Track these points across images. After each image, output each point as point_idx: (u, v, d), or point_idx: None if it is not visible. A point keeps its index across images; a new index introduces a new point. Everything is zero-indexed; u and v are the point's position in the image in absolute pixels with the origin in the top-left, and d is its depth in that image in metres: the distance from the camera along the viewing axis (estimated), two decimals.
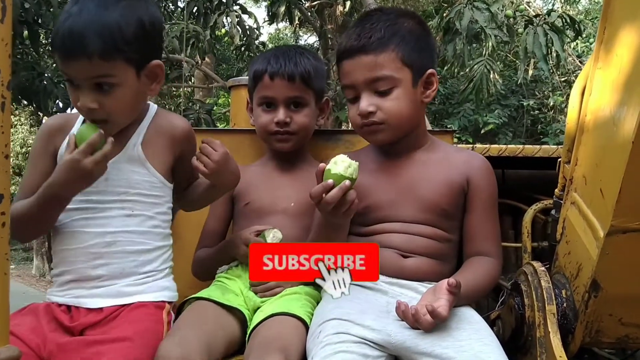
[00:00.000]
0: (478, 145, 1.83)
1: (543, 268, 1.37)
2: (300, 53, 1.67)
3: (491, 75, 5.03)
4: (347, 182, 1.25)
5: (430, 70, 1.44)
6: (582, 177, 1.30)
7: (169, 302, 1.34)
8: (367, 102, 1.40)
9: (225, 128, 2.66)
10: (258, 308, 1.43)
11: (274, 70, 1.63)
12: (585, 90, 1.33)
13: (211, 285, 1.51)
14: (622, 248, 1.14)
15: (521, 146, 1.86)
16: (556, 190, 1.48)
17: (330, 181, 1.25)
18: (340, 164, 1.27)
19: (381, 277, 1.35)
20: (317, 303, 1.40)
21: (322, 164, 1.29)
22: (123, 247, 1.30)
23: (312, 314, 1.34)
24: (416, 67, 1.41)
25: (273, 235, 1.49)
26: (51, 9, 4.48)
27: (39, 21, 4.56)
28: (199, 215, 1.61)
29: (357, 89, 1.43)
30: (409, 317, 1.19)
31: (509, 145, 1.86)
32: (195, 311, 1.36)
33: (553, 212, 1.49)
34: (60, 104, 5.57)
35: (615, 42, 1.18)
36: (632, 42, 1.09)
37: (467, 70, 5.27)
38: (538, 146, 1.86)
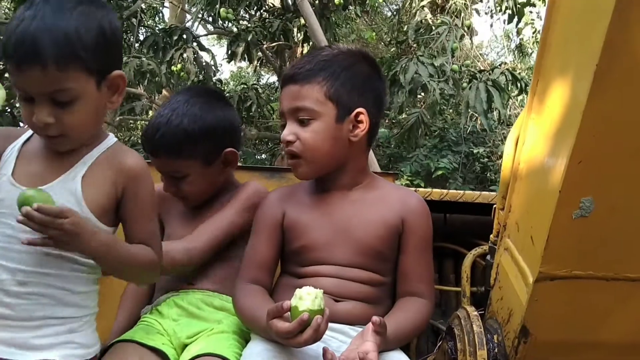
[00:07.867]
0: (420, 189, 1.85)
1: (476, 313, 1.38)
2: (178, 113, 1.47)
3: (421, 127, 5.23)
4: (320, 318, 1.15)
5: (359, 109, 1.40)
6: (515, 223, 1.33)
7: None
8: (288, 131, 1.41)
9: None
10: (186, 346, 1.38)
11: (143, 141, 1.52)
12: (519, 139, 1.38)
13: (135, 326, 1.44)
14: (550, 295, 1.16)
15: (462, 192, 1.89)
16: (491, 235, 1.50)
17: (305, 316, 1.13)
18: (307, 298, 1.16)
19: None
20: (247, 342, 1.36)
21: (286, 302, 1.18)
22: (33, 289, 1.12)
23: (240, 354, 1.30)
24: (342, 104, 1.39)
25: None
26: None
27: None
28: None
29: (284, 117, 1.43)
30: None
31: (450, 191, 1.90)
32: (114, 355, 1.31)
33: (488, 257, 1.51)
34: None
35: (547, 94, 1.23)
36: (562, 95, 1.13)
37: (404, 115, 5.46)
38: (478, 192, 1.90)
